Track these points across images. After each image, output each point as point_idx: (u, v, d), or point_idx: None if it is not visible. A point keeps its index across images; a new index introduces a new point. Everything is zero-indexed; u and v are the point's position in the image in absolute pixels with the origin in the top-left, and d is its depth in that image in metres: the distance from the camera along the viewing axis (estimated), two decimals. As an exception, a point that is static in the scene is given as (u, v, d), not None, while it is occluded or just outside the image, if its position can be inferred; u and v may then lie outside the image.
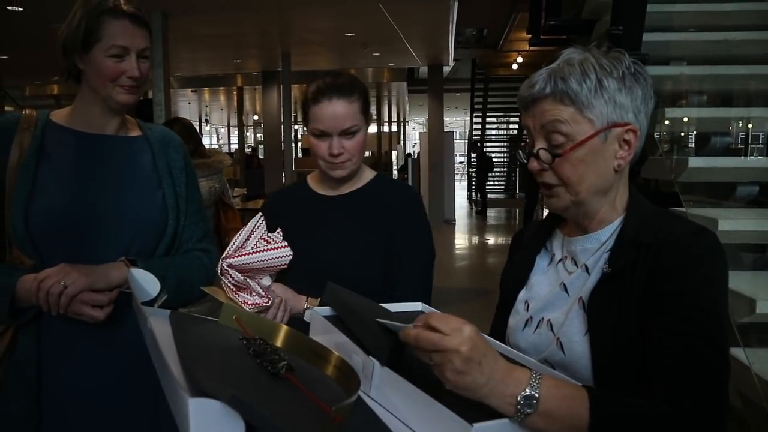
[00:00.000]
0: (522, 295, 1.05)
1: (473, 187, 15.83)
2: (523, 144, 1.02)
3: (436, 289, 1.47)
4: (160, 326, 0.84)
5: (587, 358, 0.89)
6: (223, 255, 1.29)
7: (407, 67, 12.77)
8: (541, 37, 4.09)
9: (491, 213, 13.75)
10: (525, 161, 0.98)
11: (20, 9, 6.21)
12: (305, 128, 1.44)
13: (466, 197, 16.55)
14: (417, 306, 1.15)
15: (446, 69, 12.29)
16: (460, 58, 13.14)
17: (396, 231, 1.39)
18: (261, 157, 15.65)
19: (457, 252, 9.09)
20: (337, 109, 1.34)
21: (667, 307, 0.85)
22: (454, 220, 12.08)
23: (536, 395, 0.76)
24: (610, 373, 0.88)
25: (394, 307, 1.09)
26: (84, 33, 1.23)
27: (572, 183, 0.93)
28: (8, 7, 6.14)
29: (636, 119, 0.94)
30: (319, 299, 1.30)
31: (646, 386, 0.83)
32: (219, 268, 1.29)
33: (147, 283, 1.01)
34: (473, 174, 15.73)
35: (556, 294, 0.99)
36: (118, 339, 1.28)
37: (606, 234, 0.97)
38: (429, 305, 1.16)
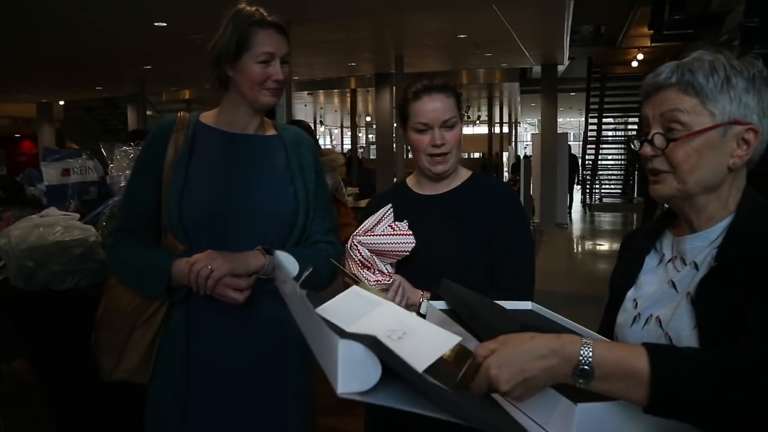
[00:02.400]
0: (631, 293, 1.06)
1: (587, 190, 15.25)
2: (637, 132, 1.03)
3: (547, 293, 1.53)
4: (301, 296, 0.97)
5: None
6: (354, 233, 1.42)
7: (520, 67, 12.55)
8: (665, 32, 3.91)
9: (605, 217, 13.16)
10: (638, 148, 0.99)
11: (165, 24, 6.85)
12: (402, 132, 1.56)
13: (580, 201, 15.97)
14: (527, 305, 1.20)
15: (560, 68, 11.94)
16: (576, 57, 12.71)
17: (496, 225, 1.46)
18: (368, 157, 16.03)
19: (569, 257, 8.82)
20: (437, 103, 1.47)
21: None
22: (566, 224, 11.70)
23: (589, 364, 0.78)
24: None
25: (505, 304, 1.13)
26: (236, 43, 1.38)
27: (682, 170, 0.94)
28: (155, 23, 6.79)
29: (760, 122, 0.93)
30: (429, 301, 1.38)
31: None
32: (349, 244, 1.41)
33: (289, 263, 1.14)
34: (587, 176, 15.15)
35: (664, 291, 1.00)
36: (253, 320, 1.42)
37: (716, 232, 0.96)
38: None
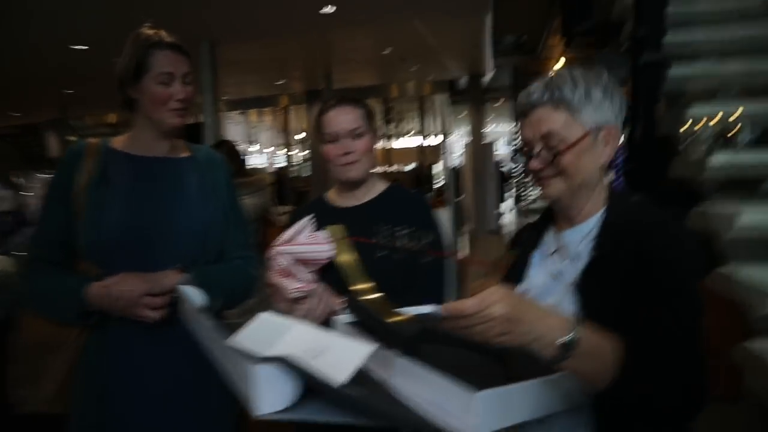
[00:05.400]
0: (520, 288, 1.16)
1: (517, 196, 15.70)
2: (521, 149, 1.15)
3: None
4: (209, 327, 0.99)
5: None
6: (274, 243, 1.46)
7: (447, 79, 12.86)
8: (574, 41, 4.14)
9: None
10: (524, 163, 1.10)
11: (85, 47, 6.66)
12: (319, 146, 1.62)
13: (510, 207, 16.40)
14: (427, 308, 1.23)
15: (487, 78, 12.31)
16: (500, 66, 13.13)
17: (416, 231, 1.52)
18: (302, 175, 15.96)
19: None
20: (344, 115, 1.55)
21: (650, 278, 0.95)
22: (499, 230, 12.01)
23: (576, 339, 0.86)
24: None
25: (410, 310, 1.19)
26: (135, 66, 1.42)
27: (568, 174, 1.06)
28: (74, 47, 6.60)
29: (615, 122, 1.08)
30: (335, 317, 1.42)
31: None
32: (270, 254, 1.45)
33: (193, 296, 1.20)
34: (515, 183, 15.61)
35: (550, 283, 1.11)
36: (173, 340, 1.42)
37: (589, 225, 1.09)
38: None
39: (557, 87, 1.06)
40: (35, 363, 1.42)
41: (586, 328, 0.88)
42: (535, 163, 1.08)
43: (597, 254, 1.03)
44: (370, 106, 1.63)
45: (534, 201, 15.42)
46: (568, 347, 0.86)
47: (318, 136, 1.61)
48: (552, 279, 1.10)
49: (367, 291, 1.10)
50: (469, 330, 0.85)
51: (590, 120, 1.06)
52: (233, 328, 0.97)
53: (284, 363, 0.79)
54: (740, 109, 2.53)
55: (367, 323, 1.12)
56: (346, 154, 1.54)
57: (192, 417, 1.44)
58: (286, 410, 0.79)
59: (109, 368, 1.41)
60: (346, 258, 1.16)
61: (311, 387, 0.79)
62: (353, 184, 1.59)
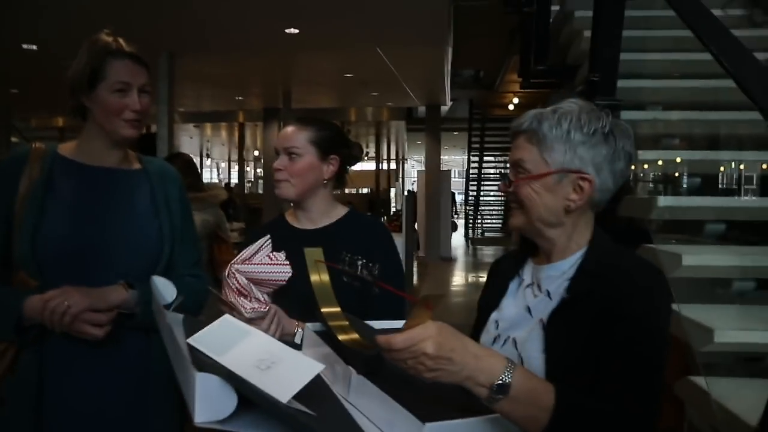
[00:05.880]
0: (494, 315, 1.17)
1: (470, 225, 15.96)
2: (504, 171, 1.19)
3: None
4: (174, 323, 1.02)
5: (542, 372, 1.00)
6: (232, 261, 1.44)
7: (406, 106, 13.05)
8: (531, 80, 4.27)
9: (487, 251, 13.82)
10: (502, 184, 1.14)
11: (35, 47, 6.44)
12: None
13: (463, 234, 16.67)
14: (399, 324, 1.26)
15: (444, 109, 12.55)
16: (458, 98, 13.42)
17: (372, 257, 1.53)
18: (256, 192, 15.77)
19: (453, 288, 9.16)
20: (288, 132, 1.57)
21: (616, 329, 0.96)
22: (451, 257, 12.16)
23: (508, 383, 0.87)
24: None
25: (377, 324, 1.20)
26: (90, 73, 1.36)
27: (525, 206, 1.08)
28: (23, 45, 6.37)
29: (596, 173, 1.05)
30: (307, 324, 1.41)
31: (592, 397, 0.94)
32: (226, 272, 1.42)
33: (165, 288, 1.18)
34: (469, 212, 15.89)
35: (521, 315, 1.11)
36: (114, 358, 1.37)
37: (567, 264, 1.09)
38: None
39: (539, 120, 1.06)
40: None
41: (522, 373, 0.89)
42: (502, 186, 1.12)
43: (568, 297, 1.03)
44: (335, 131, 1.62)
45: (483, 231, 15.72)
46: (500, 390, 0.86)
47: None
48: (524, 312, 1.11)
49: (337, 315, 1.12)
50: (400, 364, 0.86)
51: (558, 161, 1.05)
52: (197, 328, 0.98)
53: (223, 373, 0.82)
54: (681, 156, 2.67)
55: (332, 333, 1.13)
56: (277, 170, 1.56)
57: None
58: (224, 420, 0.81)
59: (45, 389, 1.34)
60: (321, 279, 1.17)
61: (250, 399, 0.81)
62: (296, 205, 1.60)
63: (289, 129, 1.57)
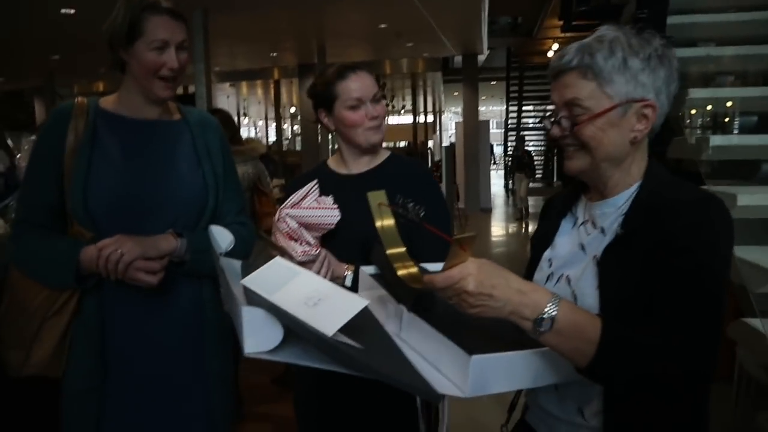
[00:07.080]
0: (547, 254, 1.15)
1: (509, 176, 15.75)
2: (548, 114, 1.13)
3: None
4: (228, 269, 1.08)
5: (596, 309, 0.98)
6: (282, 206, 1.46)
7: (442, 56, 12.78)
8: (573, 23, 4.12)
9: (529, 201, 13.66)
10: (549, 129, 1.07)
11: (72, 11, 6.50)
12: (327, 113, 1.58)
13: (503, 186, 16.49)
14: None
15: (481, 58, 12.25)
16: (495, 47, 13.07)
17: (417, 200, 1.51)
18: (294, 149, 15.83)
19: (494, 239, 9.12)
20: (364, 80, 1.54)
21: (672, 263, 0.92)
22: (491, 208, 12.08)
23: (553, 316, 0.86)
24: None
25: (432, 266, 1.20)
26: (128, 28, 1.35)
27: (590, 147, 1.01)
28: (62, 10, 6.44)
29: (656, 97, 1.00)
30: (354, 267, 1.42)
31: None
32: (277, 216, 1.45)
33: (221, 236, 1.26)
34: (509, 162, 15.66)
35: (575, 253, 1.09)
36: (168, 305, 1.42)
37: (622, 199, 1.05)
38: None
39: (590, 52, 0.98)
40: (28, 326, 1.38)
41: (567, 306, 0.88)
42: (555, 131, 1.04)
43: (622, 232, 1.00)
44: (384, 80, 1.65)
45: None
46: (545, 323, 0.86)
47: (327, 106, 1.57)
48: (578, 249, 1.09)
49: (403, 256, 1.13)
50: (446, 300, 0.87)
51: (621, 92, 0.99)
52: (251, 270, 1.03)
53: (279, 311, 0.85)
54: (737, 94, 2.54)
55: (387, 277, 1.15)
56: (373, 118, 1.54)
57: (190, 375, 1.45)
58: (272, 351, 0.85)
59: (105, 333, 1.40)
60: (387, 223, 1.19)
61: (298, 333, 0.85)
62: (368, 150, 1.58)
63: (365, 76, 1.55)
